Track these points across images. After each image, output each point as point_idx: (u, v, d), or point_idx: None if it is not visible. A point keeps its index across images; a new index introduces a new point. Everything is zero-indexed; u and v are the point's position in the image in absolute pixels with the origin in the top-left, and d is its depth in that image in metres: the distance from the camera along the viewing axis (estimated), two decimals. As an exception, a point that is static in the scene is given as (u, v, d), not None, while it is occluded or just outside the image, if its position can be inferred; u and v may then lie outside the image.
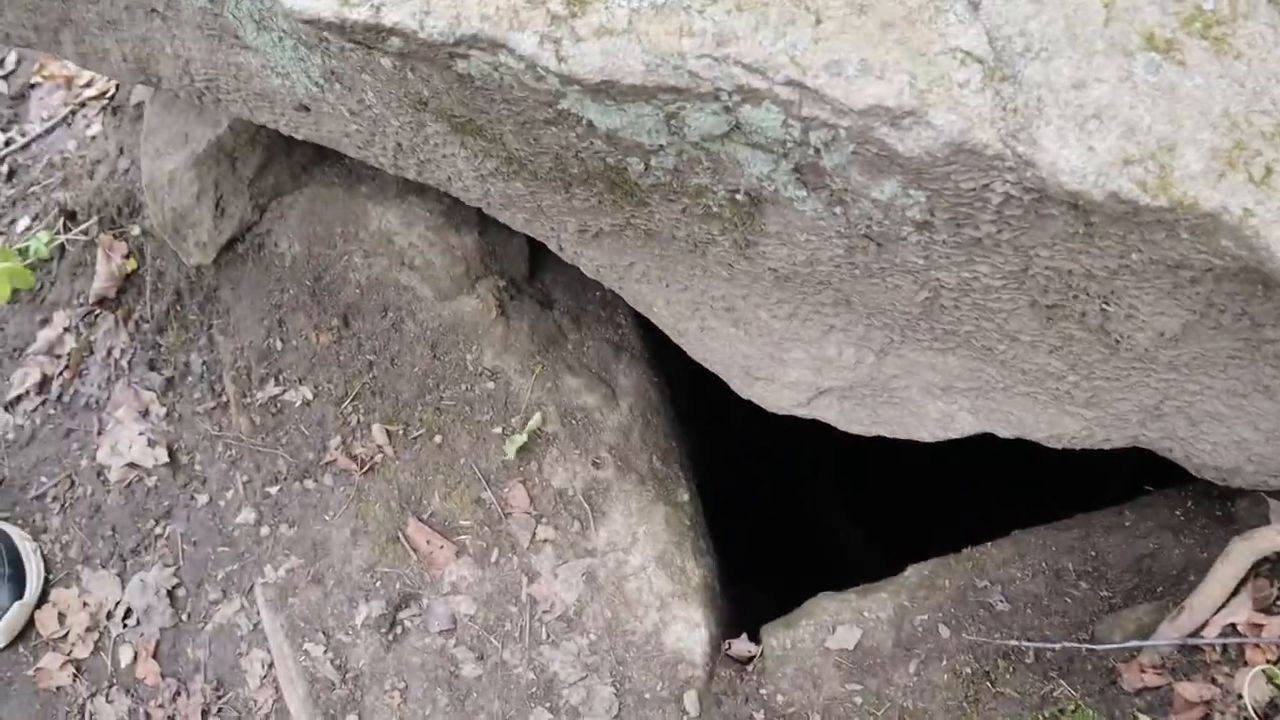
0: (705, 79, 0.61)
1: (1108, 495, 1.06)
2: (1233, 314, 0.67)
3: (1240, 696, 0.74)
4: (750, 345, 0.97)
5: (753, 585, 1.42)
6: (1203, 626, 0.80)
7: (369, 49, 0.69)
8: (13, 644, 1.15)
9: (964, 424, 0.95)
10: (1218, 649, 0.78)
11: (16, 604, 1.12)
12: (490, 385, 1.16)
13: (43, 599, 1.17)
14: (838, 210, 0.71)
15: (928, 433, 0.98)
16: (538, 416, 1.13)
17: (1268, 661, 0.75)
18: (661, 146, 0.70)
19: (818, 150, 0.65)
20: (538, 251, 1.24)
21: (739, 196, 0.75)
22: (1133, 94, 0.59)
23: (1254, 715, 0.73)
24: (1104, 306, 0.73)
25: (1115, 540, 0.97)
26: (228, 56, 0.92)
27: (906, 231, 0.70)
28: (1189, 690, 0.77)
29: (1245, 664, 0.76)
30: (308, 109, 0.94)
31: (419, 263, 1.18)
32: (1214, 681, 0.77)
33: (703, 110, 0.64)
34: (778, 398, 1.01)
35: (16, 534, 1.16)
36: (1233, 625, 0.79)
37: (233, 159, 1.19)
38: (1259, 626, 0.77)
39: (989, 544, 1.02)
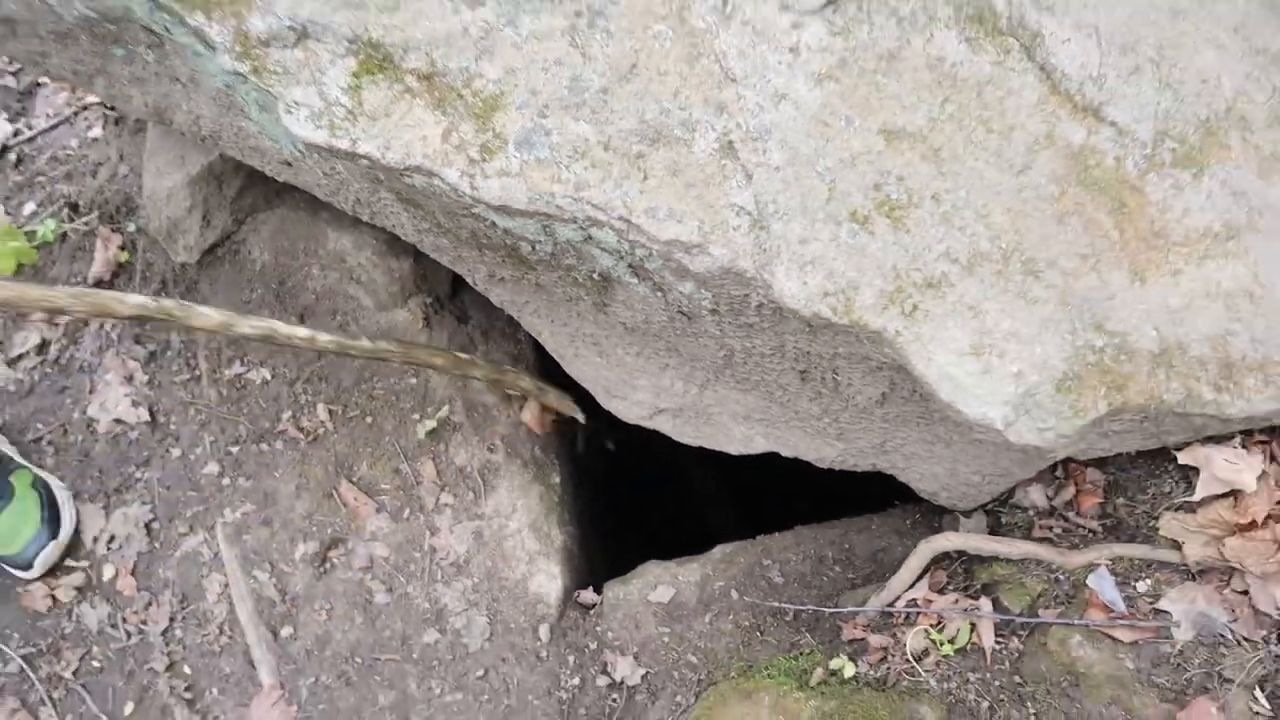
0: (567, 210, 0.92)
1: (871, 505, 1.41)
2: (906, 392, 1.01)
3: (905, 646, 1.09)
4: (610, 371, 1.29)
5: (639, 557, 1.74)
6: (896, 600, 1.15)
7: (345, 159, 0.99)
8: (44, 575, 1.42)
9: (759, 444, 1.28)
10: (902, 615, 1.13)
11: (52, 543, 1.37)
12: (413, 381, 1.47)
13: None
14: (658, 293, 1.03)
15: (735, 448, 1.31)
16: (446, 408, 1.45)
17: (930, 625, 1.10)
18: (541, 240, 1.01)
19: (641, 259, 0.97)
20: (459, 278, 1.55)
21: (595, 275, 1.06)
22: (836, 249, 0.92)
23: (911, 658, 1.07)
24: (835, 376, 1.06)
25: (863, 538, 1.32)
26: (232, 121, 1.20)
27: (705, 312, 1.03)
28: (876, 640, 1.11)
29: (915, 625, 1.10)
30: (290, 165, 1.23)
31: (364, 279, 1.48)
32: (894, 636, 1.12)
33: (566, 226, 0.95)
34: (628, 412, 1.34)
35: (55, 483, 1.41)
36: (914, 600, 1.13)
37: (219, 180, 1.48)
38: (929, 601, 1.12)
39: (776, 534, 1.37)
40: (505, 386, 1.44)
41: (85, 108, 1.78)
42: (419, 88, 0.92)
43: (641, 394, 1.29)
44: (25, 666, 1.33)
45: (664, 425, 1.33)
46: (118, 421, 1.48)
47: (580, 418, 1.49)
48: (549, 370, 1.48)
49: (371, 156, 0.92)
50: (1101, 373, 0.91)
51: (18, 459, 1.43)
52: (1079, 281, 0.92)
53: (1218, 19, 0.99)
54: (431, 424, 1.41)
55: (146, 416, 1.47)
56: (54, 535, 1.36)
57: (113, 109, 1.73)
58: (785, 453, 1.26)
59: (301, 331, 1.17)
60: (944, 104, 0.93)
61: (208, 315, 1.12)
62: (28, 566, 1.35)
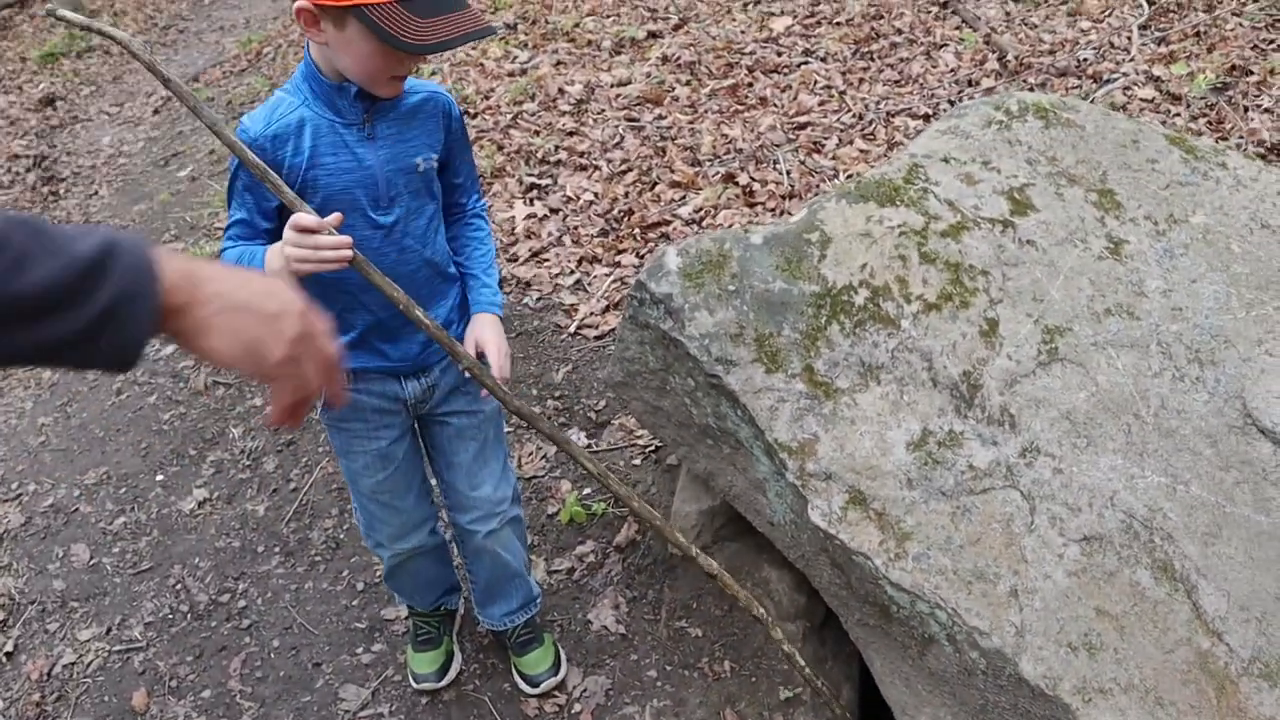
0: (928, 597, 1.87)
1: None
2: None
3: None
4: (909, 698, 2.16)
5: None
6: None
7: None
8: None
9: None
10: None
11: None
12: (785, 667, 2.40)
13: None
14: (957, 654, 1.93)
15: None
16: (799, 690, 2.36)
17: None
18: (904, 608, 1.95)
19: (954, 633, 1.88)
20: (830, 614, 2.50)
21: (925, 635, 1.98)
22: (1055, 658, 1.79)
23: None
24: (1043, 732, 1.89)
25: None
26: (753, 494, 2.27)
27: (978, 672, 1.91)
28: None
29: None
30: (772, 525, 2.27)
31: (774, 598, 2.48)
32: None
33: (923, 604, 1.90)
34: None
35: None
36: None
37: (714, 515, 2.57)
38: None
39: None
40: (810, 684, 2.34)
41: (633, 444, 2.99)
42: (873, 517, 1.94)
43: (923, 718, 2.15)
44: None
45: None
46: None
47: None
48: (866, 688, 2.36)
49: (841, 540, 1.94)
50: (1187, 772, 1.70)
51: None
52: (1185, 718, 1.73)
53: (1302, 613, 1.83)
54: (789, 694, 2.33)
55: (623, 630, 2.50)
56: None
57: (655, 450, 2.92)
58: None
59: (729, 579, 2.16)
60: (1134, 605, 1.82)
61: (709, 563, 2.14)
62: None
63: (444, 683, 2.44)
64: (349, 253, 1.57)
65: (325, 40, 1.62)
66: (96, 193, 6.17)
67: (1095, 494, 1.91)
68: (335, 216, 1.60)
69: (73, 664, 2.69)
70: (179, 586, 2.87)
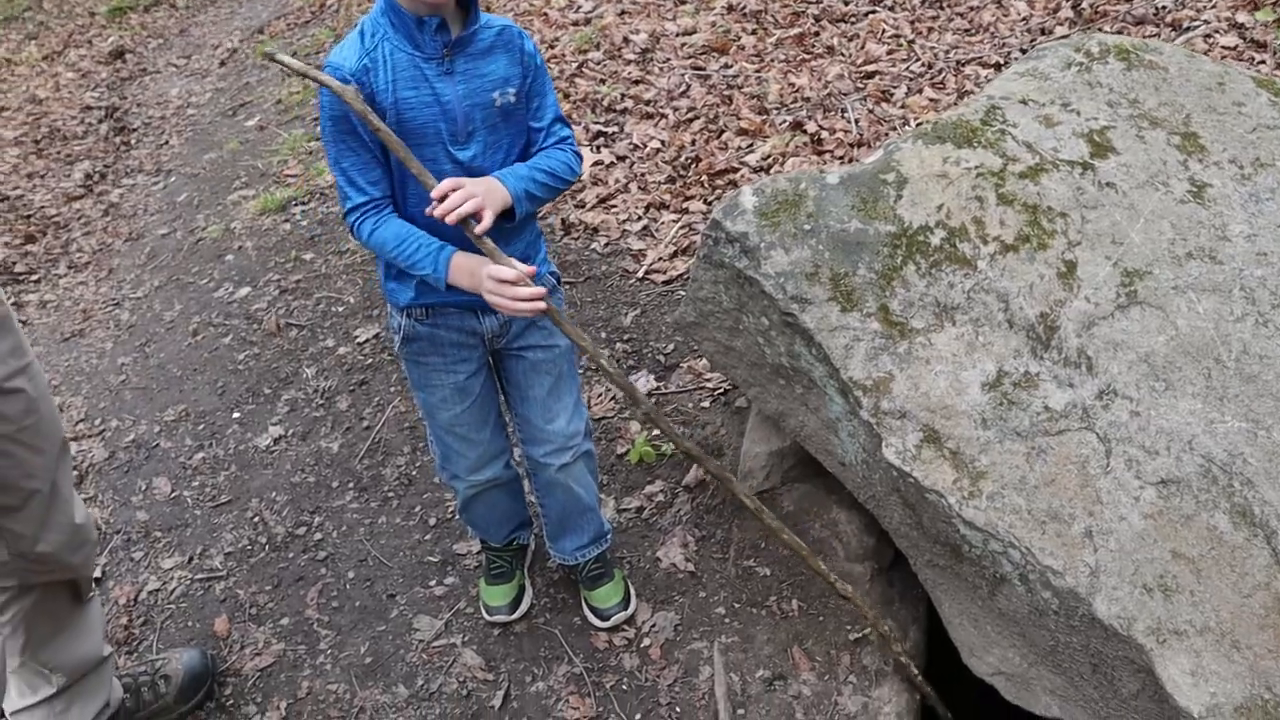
0: (1002, 536, 1.88)
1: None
2: (1151, 691, 1.83)
3: None
4: (977, 639, 2.18)
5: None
6: None
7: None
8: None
9: (1054, 712, 2.09)
10: None
11: None
12: (852, 608, 2.43)
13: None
14: (1029, 594, 1.93)
15: (1039, 710, 2.12)
16: (868, 630, 2.38)
17: None
18: (977, 547, 1.96)
19: (1027, 572, 1.89)
20: (899, 555, 2.51)
21: (996, 575, 1.99)
22: (1130, 598, 1.79)
23: None
24: (1112, 671, 1.89)
25: None
26: (825, 434, 2.28)
27: (1050, 612, 1.92)
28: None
29: None
30: (843, 465, 2.28)
31: (844, 539, 2.50)
32: None
33: (996, 543, 1.90)
34: (978, 666, 2.20)
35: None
36: None
37: (783, 456, 2.58)
38: None
39: None
40: (871, 623, 2.36)
41: (701, 387, 3.01)
42: (947, 456, 1.94)
43: (991, 658, 2.17)
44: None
45: (998, 683, 2.18)
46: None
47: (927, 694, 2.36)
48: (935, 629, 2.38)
49: (915, 478, 1.95)
50: (1264, 712, 1.70)
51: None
52: (1262, 661, 1.73)
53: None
54: (857, 634, 2.36)
55: (692, 568, 2.54)
56: None
57: (724, 393, 2.94)
58: (1069, 721, 2.07)
59: (804, 548, 2.19)
60: (1212, 549, 1.81)
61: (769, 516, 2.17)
62: None
63: (516, 615, 2.50)
64: (543, 304, 1.75)
65: None
66: (167, 142, 6.28)
67: (1173, 438, 1.90)
68: (529, 269, 1.74)
69: (157, 591, 2.79)
70: (256, 519, 2.96)
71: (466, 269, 1.79)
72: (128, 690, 2.32)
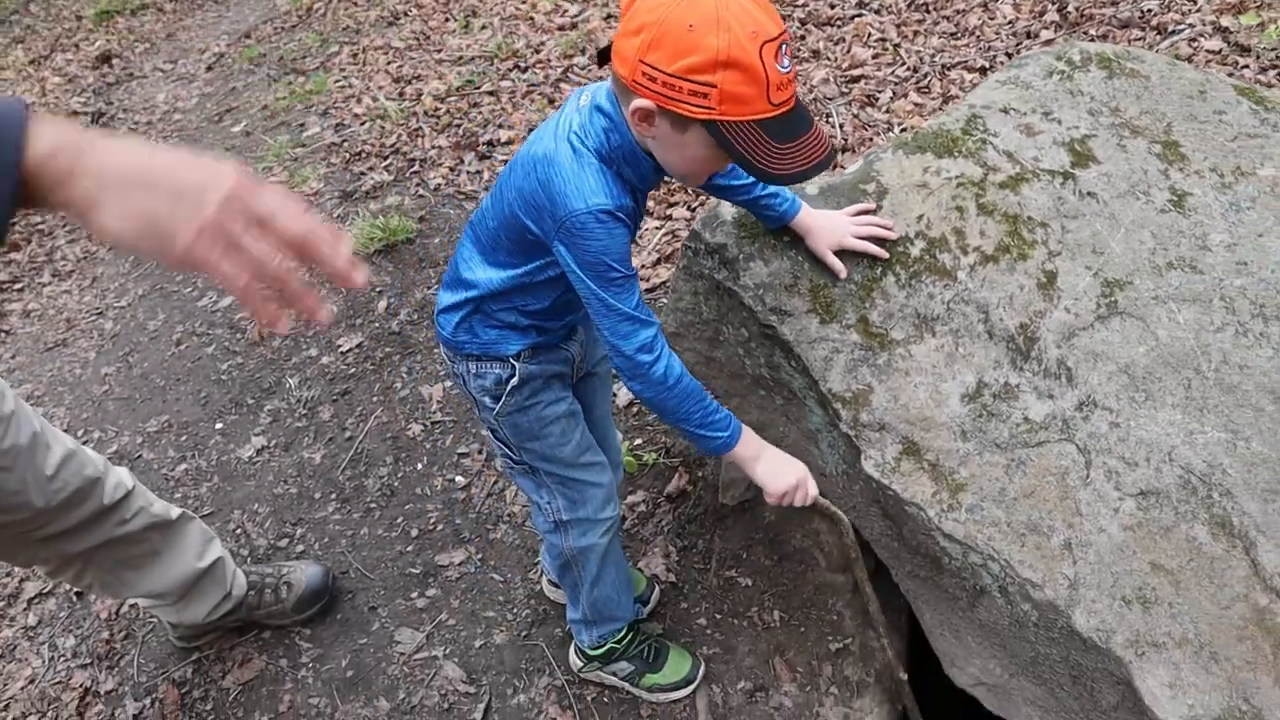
0: (981, 549, 1.87)
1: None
2: (1130, 703, 1.82)
3: None
4: (957, 650, 2.17)
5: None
6: None
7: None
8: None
9: (1037, 723, 2.09)
10: None
11: None
12: (834, 618, 2.42)
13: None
14: (1009, 606, 1.93)
15: (1021, 722, 2.12)
16: (849, 640, 2.37)
17: None
18: (957, 560, 1.95)
19: (1006, 585, 1.88)
20: (880, 565, 2.51)
21: (976, 587, 1.98)
22: (1108, 610, 1.79)
23: None
24: (1091, 683, 1.88)
25: None
26: (805, 447, 2.28)
27: (1030, 624, 1.91)
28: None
29: None
30: (825, 476, 2.28)
31: (825, 549, 2.49)
32: None
33: (975, 555, 1.90)
34: (959, 677, 2.19)
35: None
36: None
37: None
38: None
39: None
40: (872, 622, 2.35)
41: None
42: (927, 468, 1.94)
43: (972, 669, 2.16)
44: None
45: (979, 693, 2.17)
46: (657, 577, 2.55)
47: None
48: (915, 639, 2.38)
49: (895, 490, 1.94)
50: (1241, 726, 1.70)
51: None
52: (1240, 673, 1.72)
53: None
54: (839, 645, 2.35)
55: (673, 579, 2.53)
56: None
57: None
58: None
59: (839, 512, 2.18)
60: (1191, 560, 1.81)
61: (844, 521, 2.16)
62: None
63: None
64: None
65: (654, 135, 1.50)
66: (153, 148, 6.24)
67: (1153, 449, 1.89)
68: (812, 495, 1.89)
69: (138, 604, 2.78)
70: (239, 530, 2.94)
71: (755, 443, 1.83)
72: (253, 587, 2.57)
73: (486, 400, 1.89)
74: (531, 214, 1.60)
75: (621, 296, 1.59)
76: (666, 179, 1.74)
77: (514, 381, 1.86)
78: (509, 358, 1.85)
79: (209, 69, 7.43)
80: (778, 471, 1.85)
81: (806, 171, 1.49)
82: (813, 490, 1.87)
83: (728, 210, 2.13)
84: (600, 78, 4.65)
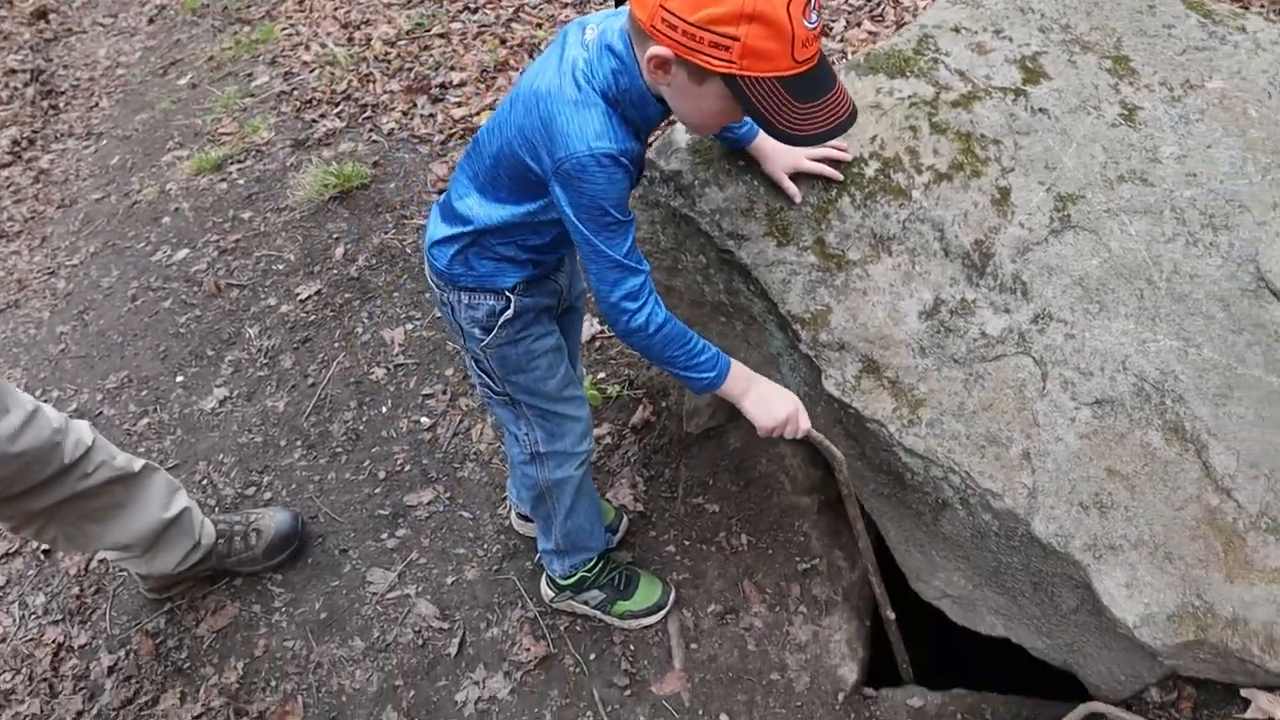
0: (941, 461, 1.90)
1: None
2: (1090, 606, 1.87)
3: (1056, 753, 1.89)
4: (923, 564, 2.21)
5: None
6: (1058, 734, 1.95)
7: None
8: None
9: (999, 630, 2.14)
10: (1059, 742, 1.93)
11: None
12: (801, 539, 2.45)
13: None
14: (970, 518, 1.97)
15: (984, 630, 2.17)
16: (817, 561, 2.41)
17: (1074, 750, 1.89)
18: (919, 474, 1.98)
19: (967, 496, 1.92)
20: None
21: (938, 500, 2.01)
22: (1067, 516, 1.83)
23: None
24: (1051, 589, 1.93)
25: (1044, 712, 2.12)
26: (767, 371, 2.29)
27: (991, 534, 1.95)
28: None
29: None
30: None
31: (790, 473, 2.52)
32: (1051, 750, 1.91)
33: (936, 468, 1.93)
34: (925, 591, 2.24)
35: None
36: (1069, 736, 1.93)
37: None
38: (1078, 739, 1.92)
39: (995, 694, 2.19)
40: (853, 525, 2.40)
41: (645, 334, 3.00)
42: (887, 385, 1.96)
43: (937, 582, 2.21)
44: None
45: (945, 606, 2.22)
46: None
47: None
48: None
49: (856, 408, 1.96)
50: (1195, 619, 1.75)
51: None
52: (1193, 571, 1.77)
53: (1311, 467, 1.85)
54: (806, 565, 2.39)
55: (641, 508, 2.55)
56: None
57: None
58: (1013, 639, 2.11)
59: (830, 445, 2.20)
60: (1145, 465, 1.85)
61: (834, 450, 2.18)
62: None
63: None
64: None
65: (668, 84, 1.46)
66: (97, 104, 6.10)
67: (1107, 359, 1.92)
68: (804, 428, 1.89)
69: (107, 558, 2.76)
70: (205, 482, 2.93)
71: (743, 378, 1.82)
72: (221, 536, 2.58)
73: (476, 331, 1.87)
74: (532, 153, 1.56)
75: (613, 243, 1.57)
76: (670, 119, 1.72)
77: (508, 314, 1.85)
78: (504, 290, 1.83)
79: (151, 21, 7.23)
80: (768, 405, 1.84)
81: (829, 132, 1.44)
82: (804, 423, 1.87)
83: (682, 137, 2.13)
84: (558, 18, 4.59)
